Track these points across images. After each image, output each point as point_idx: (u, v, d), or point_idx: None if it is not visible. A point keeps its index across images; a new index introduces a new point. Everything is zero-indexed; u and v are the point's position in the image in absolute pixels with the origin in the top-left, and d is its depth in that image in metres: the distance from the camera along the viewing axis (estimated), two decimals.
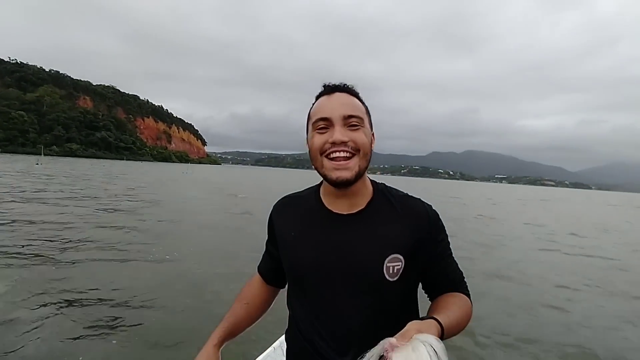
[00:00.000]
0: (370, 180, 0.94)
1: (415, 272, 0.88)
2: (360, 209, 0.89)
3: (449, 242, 0.94)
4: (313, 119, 0.86)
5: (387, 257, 0.83)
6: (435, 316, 0.73)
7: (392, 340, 0.64)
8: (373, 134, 0.90)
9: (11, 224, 8.18)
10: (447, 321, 0.73)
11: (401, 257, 0.84)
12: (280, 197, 1.03)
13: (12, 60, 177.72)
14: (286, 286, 1.04)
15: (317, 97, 0.90)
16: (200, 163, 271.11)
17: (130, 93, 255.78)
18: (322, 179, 0.91)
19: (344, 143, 0.81)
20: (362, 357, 0.64)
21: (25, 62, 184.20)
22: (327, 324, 0.86)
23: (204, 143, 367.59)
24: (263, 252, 1.10)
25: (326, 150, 0.83)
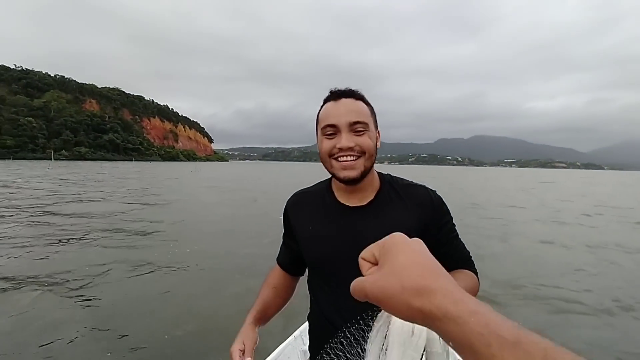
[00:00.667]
0: (377, 172, 1.01)
1: None
2: (369, 200, 0.97)
3: (454, 225, 1.00)
4: (321, 125, 0.92)
5: None
6: None
7: None
8: (378, 132, 0.97)
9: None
10: None
11: None
12: (293, 194, 1.10)
13: (18, 67, 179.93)
14: (306, 272, 1.10)
15: (325, 102, 0.94)
16: (207, 160, 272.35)
17: (135, 94, 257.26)
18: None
19: (350, 148, 0.88)
20: (373, 321, 0.70)
21: (30, 69, 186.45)
22: (348, 308, 0.91)
23: (210, 140, 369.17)
24: (280, 245, 1.16)
25: (335, 154, 0.90)
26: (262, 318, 1.09)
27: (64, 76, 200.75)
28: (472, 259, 1.01)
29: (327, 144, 0.91)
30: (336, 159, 0.91)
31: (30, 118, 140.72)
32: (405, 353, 0.62)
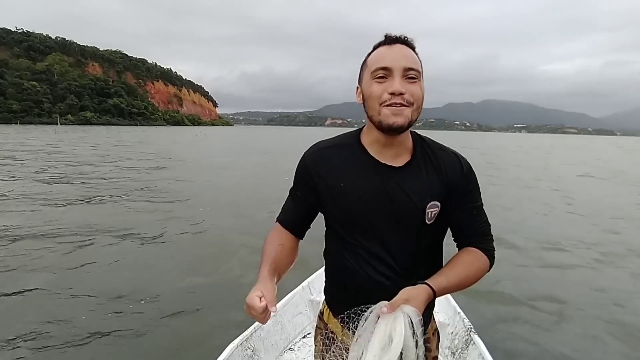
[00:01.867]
0: (409, 131, 1.00)
1: (446, 217, 0.99)
2: (405, 161, 0.98)
3: (479, 196, 1.02)
4: (372, 68, 0.90)
5: (427, 204, 0.95)
6: (429, 281, 0.90)
7: (384, 308, 0.80)
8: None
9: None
10: (445, 284, 0.91)
11: (438, 204, 0.96)
12: (311, 147, 1.06)
13: (19, 29, 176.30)
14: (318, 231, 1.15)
15: (376, 47, 0.93)
16: (212, 125, 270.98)
17: (137, 57, 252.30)
18: (362, 128, 1.03)
19: (401, 94, 0.87)
20: (362, 314, 0.82)
21: (31, 31, 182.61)
22: (381, 260, 0.97)
23: (215, 105, 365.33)
24: (284, 204, 1.10)
25: (384, 100, 0.89)
26: (275, 271, 1.00)
27: (65, 38, 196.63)
28: (491, 234, 1.03)
29: (377, 88, 0.89)
30: (384, 104, 0.89)
31: (34, 82, 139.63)
32: (382, 358, 0.72)
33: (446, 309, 2.46)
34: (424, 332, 0.84)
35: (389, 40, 0.91)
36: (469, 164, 1.01)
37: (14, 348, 2.83)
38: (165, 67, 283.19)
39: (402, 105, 0.88)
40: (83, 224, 6.07)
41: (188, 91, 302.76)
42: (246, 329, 2.01)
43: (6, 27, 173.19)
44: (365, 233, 0.98)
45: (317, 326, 1.17)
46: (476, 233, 1.01)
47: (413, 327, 0.76)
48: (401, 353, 0.75)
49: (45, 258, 4.62)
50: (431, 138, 1.04)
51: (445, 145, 1.04)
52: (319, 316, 1.16)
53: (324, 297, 1.14)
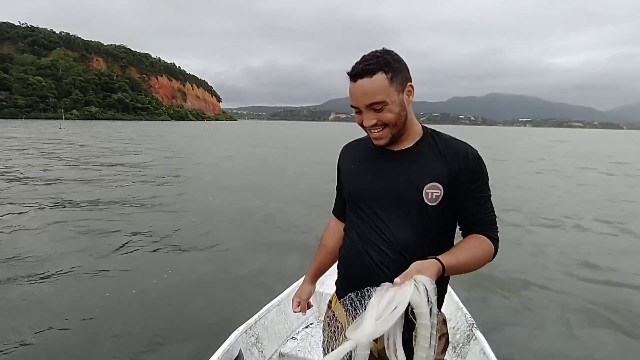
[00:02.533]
0: (422, 125, 1.08)
1: (452, 203, 1.02)
2: (408, 147, 1.06)
3: (487, 185, 1.04)
4: (350, 102, 1.01)
5: (426, 183, 0.99)
6: (439, 257, 0.92)
7: (397, 279, 0.82)
8: (411, 86, 1.00)
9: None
10: (454, 262, 0.93)
11: (440, 186, 0.98)
12: (343, 145, 1.25)
13: (23, 24, 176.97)
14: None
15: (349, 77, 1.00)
16: (216, 120, 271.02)
17: (141, 52, 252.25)
18: None
19: (374, 125, 0.99)
20: (374, 290, 0.83)
21: (35, 26, 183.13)
22: (382, 237, 1.03)
23: (219, 99, 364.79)
24: (335, 198, 1.30)
25: (365, 127, 1.03)
26: (317, 274, 1.36)
27: (69, 33, 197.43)
28: (496, 225, 1.06)
29: (357, 119, 1.03)
30: (368, 129, 1.03)
31: (39, 77, 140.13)
32: (382, 317, 0.74)
33: (448, 304, 2.44)
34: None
35: (351, 77, 0.97)
36: (478, 154, 1.03)
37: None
38: (168, 62, 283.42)
39: (379, 130, 1.00)
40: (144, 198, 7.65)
41: (192, 86, 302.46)
42: (251, 317, 2.07)
43: (10, 22, 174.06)
44: (369, 211, 1.06)
45: (325, 314, 1.23)
46: (483, 222, 1.03)
47: (428, 294, 0.75)
48: (415, 321, 0.76)
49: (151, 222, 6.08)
50: (445, 132, 1.09)
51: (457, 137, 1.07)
52: (328, 305, 1.23)
53: (328, 288, 1.12)
